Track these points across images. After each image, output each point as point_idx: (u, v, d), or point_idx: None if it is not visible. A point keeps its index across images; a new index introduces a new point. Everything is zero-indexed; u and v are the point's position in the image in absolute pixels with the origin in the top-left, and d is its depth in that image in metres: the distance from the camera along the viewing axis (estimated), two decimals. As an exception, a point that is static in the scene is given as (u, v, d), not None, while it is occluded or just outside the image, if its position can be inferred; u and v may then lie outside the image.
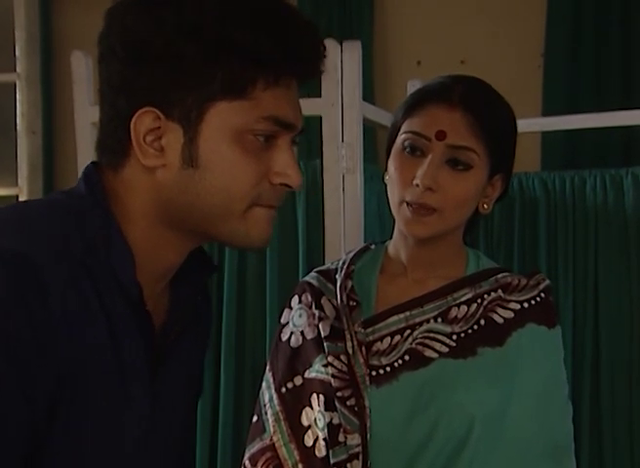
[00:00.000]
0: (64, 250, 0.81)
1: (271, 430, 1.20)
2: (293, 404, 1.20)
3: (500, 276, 1.23)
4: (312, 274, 1.29)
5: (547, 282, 1.23)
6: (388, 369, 1.17)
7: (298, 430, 1.18)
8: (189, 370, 1.00)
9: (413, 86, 2.29)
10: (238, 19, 0.83)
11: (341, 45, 1.85)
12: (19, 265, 0.76)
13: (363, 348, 1.18)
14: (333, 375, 1.17)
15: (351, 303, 1.22)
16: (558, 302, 2.03)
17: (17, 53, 2.93)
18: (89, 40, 2.63)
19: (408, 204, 1.15)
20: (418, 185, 1.14)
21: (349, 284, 1.24)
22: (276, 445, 1.19)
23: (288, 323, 1.26)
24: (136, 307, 0.86)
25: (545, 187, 2.11)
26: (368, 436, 1.14)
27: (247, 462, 1.21)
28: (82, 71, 2.01)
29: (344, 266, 1.27)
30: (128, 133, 0.85)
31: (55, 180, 3.14)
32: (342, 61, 1.85)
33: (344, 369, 1.18)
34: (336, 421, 1.16)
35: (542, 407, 1.16)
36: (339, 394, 1.16)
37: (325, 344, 1.20)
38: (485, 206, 1.20)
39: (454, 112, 1.15)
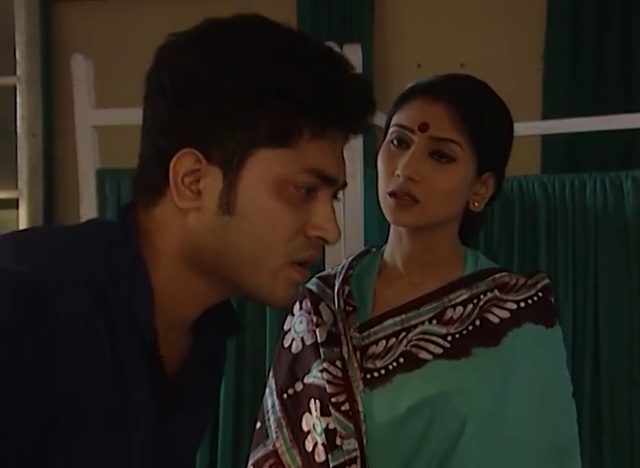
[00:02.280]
0: (87, 279, 0.80)
1: (274, 436, 1.21)
2: (294, 409, 1.21)
3: (497, 276, 1.21)
4: (313, 280, 1.29)
5: (547, 281, 1.21)
6: (383, 371, 1.17)
7: (299, 436, 1.19)
8: (197, 418, 0.98)
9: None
10: (287, 65, 0.82)
11: (342, 48, 1.85)
12: (33, 293, 0.75)
13: (357, 353, 1.18)
14: (328, 381, 1.18)
15: (348, 308, 1.22)
16: (558, 305, 2.03)
17: (17, 56, 2.93)
18: (89, 43, 2.63)
19: (391, 194, 1.15)
20: (399, 176, 1.14)
21: (346, 289, 1.24)
22: (279, 450, 1.20)
23: (290, 329, 1.27)
24: (149, 350, 0.84)
25: (545, 190, 2.12)
26: (364, 441, 1.15)
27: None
28: (82, 74, 2.01)
29: (343, 271, 1.27)
30: (167, 172, 0.83)
31: (54, 184, 3.14)
32: (343, 65, 1.85)
33: (339, 374, 1.18)
34: (332, 426, 1.16)
35: (542, 407, 1.15)
36: (333, 399, 1.17)
37: (321, 350, 1.20)
38: (476, 204, 1.20)
39: (438, 105, 1.15)
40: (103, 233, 0.86)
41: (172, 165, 0.82)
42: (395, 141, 1.17)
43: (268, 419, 1.22)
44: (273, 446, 1.21)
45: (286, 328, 1.28)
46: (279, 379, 1.24)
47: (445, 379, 1.15)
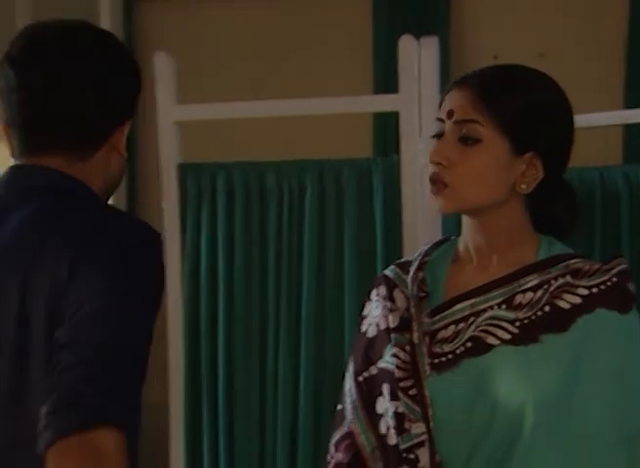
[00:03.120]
0: None
1: (350, 418, 1.25)
2: (369, 393, 1.24)
3: (571, 262, 1.19)
4: (391, 267, 1.33)
5: (623, 266, 1.18)
6: (450, 356, 1.19)
7: (374, 418, 1.23)
8: None
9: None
10: None
11: (419, 41, 1.86)
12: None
13: (427, 338, 1.21)
14: (397, 366, 1.21)
15: (420, 294, 1.25)
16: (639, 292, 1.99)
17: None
18: (170, 41, 2.70)
19: (430, 182, 1.20)
20: (430, 162, 1.19)
21: (420, 275, 1.27)
22: (355, 432, 1.25)
23: (367, 315, 1.31)
24: None
25: (628, 180, 2.06)
26: (431, 425, 1.17)
27: (332, 448, 1.28)
28: (164, 71, 2.07)
29: (419, 258, 1.30)
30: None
31: (136, 178, 3.24)
32: (420, 58, 1.85)
33: (408, 359, 1.21)
34: (400, 410, 1.20)
35: (614, 393, 1.13)
36: (401, 384, 1.20)
37: (392, 336, 1.24)
38: (523, 185, 1.18)
39: (462, 92, 1.19)
40: None
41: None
42: (435, 134, 1.21)
43: (346, 402, 1.27)
44: (349, 427, 1.25)
45: (364, 313, 1.32)
46: (356, 363, 1.28)
47: (510, 365, 1.15)
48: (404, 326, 1.24)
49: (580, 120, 2.11)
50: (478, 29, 2.99)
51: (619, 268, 1.18)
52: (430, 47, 1.86)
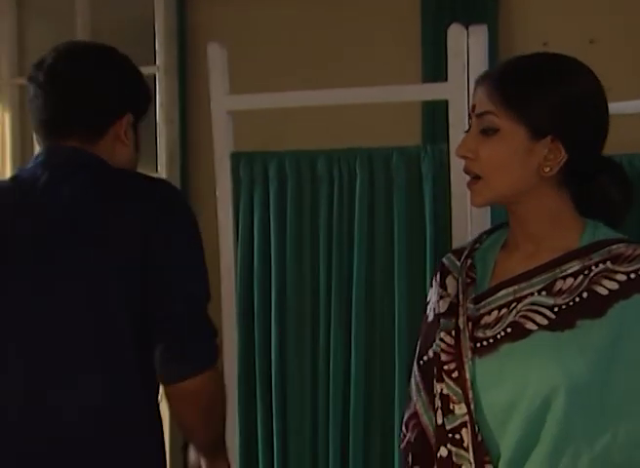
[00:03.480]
0: None
1: (415, 399, 1.32)
2: (427, 375, 1.29)
3: (614, 247, 1.19)
4: (448, 253, 1.38)
5: None
6: (492, 340, 1.21)
7: (432, 399, 1.28)
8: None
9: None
10: None
11: (467, 29, 1.87)
12: None
13: (470, 323, 1.24)
14: (442, 350, 1.26)
15: (467, 280, 1.29)
16: None
17: (156, 46, 3.08)
18: (222, 32, 2.76)
19: (466, 173, 1.25)
20: (457, 155, 1.25)
21: (469, 261, 1.31)
22: (419, 412, 1.31)
23: (429, 301, 1.37)
24: None
25: None
26: (472, 406, 1.20)
27: (403, 426, 1.35)
28: (217, 62, 2.10)
29: (470, 245, 1.35)
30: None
31: (189, 167, 3.30)
32: (469, 46, 1.86)
33: (452, 343, 1.25)
34: (445, 392, 1.24)
35: None
36: (445, 367, 1.25)
37: (440, 321, 1.29)
38: (546, 169, 1.20)
39: (483, 86, 1.24)
40: None
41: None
42: (466, 130, 1.26)
43: (412, 383, 1.33)
44: (414, 407, 1.32)
45: (428, 299, 1.37)
46: (419, 346, 1.34)
47: (546, 350, 1.17)
48: (451, 311, 1.28)
49: (631, 106, 2.11)
50: (527, 16, 2.97)
51: None
52: (479, 35, 1.86)
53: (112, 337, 1.42)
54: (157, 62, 3.09)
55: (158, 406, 1.51)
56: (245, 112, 2.23)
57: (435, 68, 2.83)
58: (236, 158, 2.11)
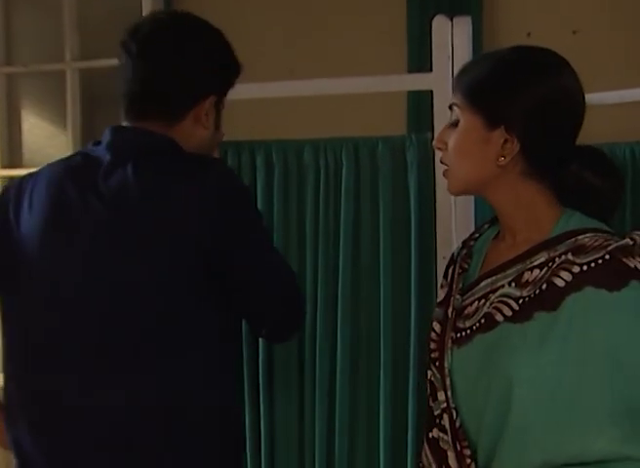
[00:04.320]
0: None
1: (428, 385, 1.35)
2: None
3: (580, 237, 1.18)
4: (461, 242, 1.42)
5: (623, 242, 1.15)
6: (469, 331, 1.24)
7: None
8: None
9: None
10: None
11: (452, 20, 1.89)
12: None
13: (454, 313, 1.27)
14: (431, 339, 1.31)
15: (459, 270, 1.33)
16: None
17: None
18: (209, 21, 2.74)
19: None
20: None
21: (464, 251, 1.35)
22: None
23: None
24: None
25: None
26: (448, 393, 1.24)
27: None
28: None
29: (470, 235, 1.40)
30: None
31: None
32: (453, 37, 1.89)
33: (440, 331, 1.29)
34: (432, 379, 1.29)
35: (602, 372, 1.11)
36: (432, 355, 1.29)
37: (436, 309, 1.33)
38: (500, 158, 1.22)
39: (456, 81, 1.30)
40: None
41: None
42: None
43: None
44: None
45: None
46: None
47: (508, 342, 1.18)
48: (445, 300, 1.32)
49: (612, 96, 2.14)
50: (510, 7, 3.00)
51: (616, 244, 1.15)
52: (463, 26, 1.89)
53: (176, 333, 1.39)
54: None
55: (230, 408, 1.49)
56: (231, 102, 2.24)
57: (420, 59, 2.85)
58: (224, 147, 2.12)
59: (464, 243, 1.39)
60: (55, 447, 1.39)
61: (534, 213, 1.24)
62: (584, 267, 1.14)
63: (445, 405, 1.25)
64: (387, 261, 1.97)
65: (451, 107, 1.28)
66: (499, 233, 1.33)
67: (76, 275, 1.39)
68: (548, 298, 1.15)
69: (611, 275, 1.13)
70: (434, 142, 1.30)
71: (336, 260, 2.01)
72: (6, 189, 1.55)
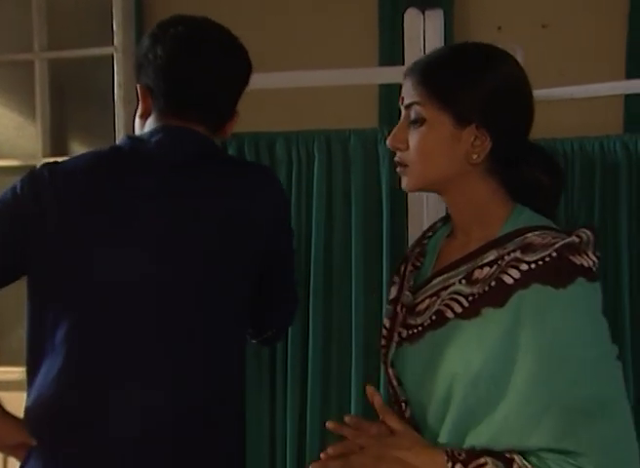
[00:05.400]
0: None
1: None
2: None
3: (529, 235, 1.19)
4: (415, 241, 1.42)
5: (568, 240, 1.16)
6: (420, 328, 1.25)
7: None
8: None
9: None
10: None
11: (424, 13, 1.90)
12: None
13: (404, 310, 1.29)
14: (382, 335, 1.32)
15: (411, 268, 1.34)
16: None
17: (114, 27, 3.05)
18: (180, 11, 2.73)
19: (396, 164, 1.29)
20: (387, 146, 1.29)
21: (417, 249, 1.36)
22: None
23: None
24: None
25: (627, 150, 2.08)
26: (394, 383, 1.27)
27: None
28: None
29: (423, 233, 1.40)
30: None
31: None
32: (425, 30, 1.90)
33: (389, 328, 1.32)
34: (385, 373, 1.32)
35: (543, 367, 1.12)
36: (383, 351, 1.32)
37: (387, 307, 1.35)
38: (473, 156, 1.22)
39: (409, 78, 1.27)
40: None
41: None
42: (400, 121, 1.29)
43: None
44: None
45: None
46: None
47: (456, 338, 1.19)
48: (398, 298, 1.33)
49: (580, 91, 2.16)
50: (481, 1, 3.01)
51: (562, 242, 1.15)
52: (435, 19, 1.90)
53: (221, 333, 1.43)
54: (115, 42, 3.06)
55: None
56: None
57: (392, 52, 2.86)
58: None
59: (418, 241, 1.39)
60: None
61: (487, 210, 1.25)
62: (532, 265, 1.15)
63: (396, 396, 1.29)
64: (359, 255, 1.98)
65: (409, 106, 1.24)
66: (452, 231, 1.34)
67: (144, 275, 1.38)
68: (496, 295, 1.16)
69: (557, 272, 1.13)
70: (390, 142, 1.26)
71: (307, 254, 2.01)
72: (34, 179, 1.42)
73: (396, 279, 1.37)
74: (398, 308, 1.30)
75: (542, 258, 1.14)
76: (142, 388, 1.36)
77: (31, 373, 1.42)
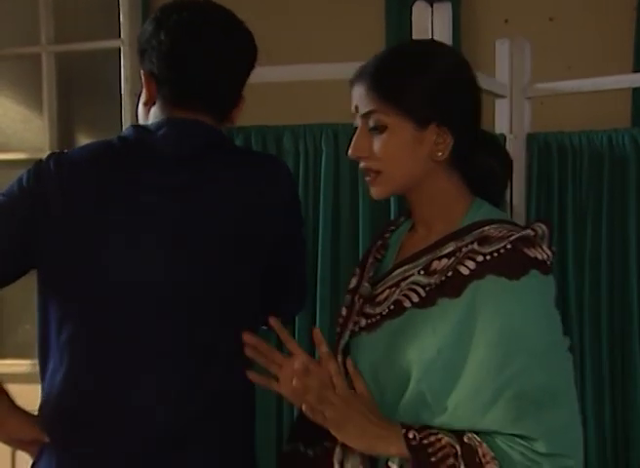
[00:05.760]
0: None
1: None
2: None
3: (487, 228, 1.21)
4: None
5: (524, 232, 1.19)
6: (378, 317, 1.27)
7: None
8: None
9: (501, 44, 2.31)
10: None
11: (432, 7, 1.90)
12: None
13: (361, 300, 1.31)
14: (339, 324, 1.34)
15: (372, 260, 1.36)
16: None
17: (120, 19, 3.05)
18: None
19: (363, 174, 1.28)
20: (350, 157, 1.28)
21: (379, 242, 1.38)
22: None
23: None
24: None
25: (636, 144, 2.08)
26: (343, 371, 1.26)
27: None
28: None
29: (385, 226, 1.42)
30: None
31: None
32: (433, 23, 1.89)
33: (346, 316, 1.33)
34: (340, 362, 1.30)
35: (495, 355, 1.14)
36: (338, 339, 1.33)
37: (346, 297, 1.37)
38: (438, 153, 1.24)
39: (361, 85, 1.26)
40: None
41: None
42: (355, 129, 1.29)
43: None
44: None
45: None
46: None
47: (411, 327, 1.21)
48: (355, 288, 1.36)
49: (588, 84, 2.16)
50: (489, -7, 3.01)
51: (517, 235, 1.18)
52: (444, 13, 1.89)
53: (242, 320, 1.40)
54: (122, 36, 3.06)
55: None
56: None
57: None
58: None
59: (380, 234, 1.41)
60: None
61: (449, 204, 1.28)
62: (488, 256, 1.17)
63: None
64: (366, 241, 1.98)
65: (367, 114, 1.24)
66: (413, 226, 1.36)
67: (152, 272, 1.35)
68: (452, 285, 1.18)
69: (511, 264, 1.16)
70: (353, 152, 1.26)
71: (315, 246, 2.01)
72: (39, 171, 1.40)
73: (357, 270, 1.39)
74: (356, 298, 1.32)
75: (498, 250, 1.17)
76: (153, 387, 1.35)
77: (42, 370, 1.41)
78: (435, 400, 1.16)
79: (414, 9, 1.91)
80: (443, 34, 1.90)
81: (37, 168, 1.39)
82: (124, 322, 1.35)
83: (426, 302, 1.20)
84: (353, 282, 1.38)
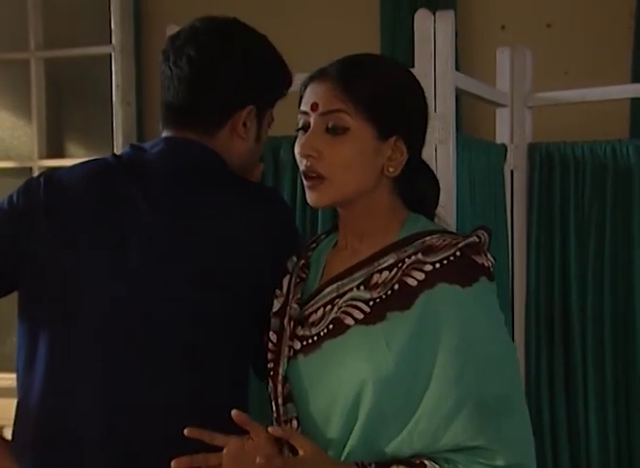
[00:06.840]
0: None
1: None
2: None
3: (428, 238, 1.19)
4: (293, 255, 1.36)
5: (470, 239, 1.18)
6: (316, 338, 1.21)
7: None
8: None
9: (502, 53, 2.28)
10: None
11: (434, 15, 1.86)
12: None
13: (292, 322, 1.24)
14: (269, 349, 1.27)
15: (297, 280, 1.29)
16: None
17: (112, 25, 3.01)
18: (179, 11, 2.69)
19: (303, 176, 1.22)
20: (300, 155, 1.21)
21: (301, 261, 1.32)
22: None
23: None
24: None
25: None
26: (280, 401, 1.22)
27: None
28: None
29: (306, 245, 1.35)
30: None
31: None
32: (435, 31, 1.85)
33: (276, 341, 1.26)
34: (269, 390, 1.25)
35: (456, 366, 1.13)
36: (269, 365, 1.26)
37: (272, 320, 1.29)
38: (390, 169, 1.21)
39: (325, 84, 1.21)
40: None
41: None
42: (301, 127, 1.23)
43: None
44: None
45: None
46: None
47: (358, 345, 1.17)
48: (282, 311, 1.29)
49: (592, 93, 2.13)
50: (485, 0, 2.99)
51: (465, 242, 1.17)
52: (446, 21, 1.86)
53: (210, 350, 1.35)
54: (113, 42, 3.02)
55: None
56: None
57: (393, 54, 2.82)
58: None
59: (300, 254, 1.34)
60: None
61: (387, 217, 1.25)
62: (437, 265, 1.15)
63: (278, 414, 1.23)
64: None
65: (329, 113, 1.19)
66: (337, 242, 1.31)
67: (133, 290, 1.32)
68: (401, 298, 1.15)
69: (462, 271, 1.15)
70: (305, 151, 1.20)
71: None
72: (28, 188, 1.41)
73: (278, 292, 1.32)
74: (285, 321, 1.26)
75: (447, 258, 1.15)
76: (126, 411, 1.31)
77: (17, 387, 1.40)
78: (395, 415, 1.14)
79: (416, 17, 1.88)
80: (446, 42, 1.86)
81: (27, 184, 1.41)
82: (95, 342, 1.32)
83: (374, 318, 1.16)
84: (276, 305, 1.30)
